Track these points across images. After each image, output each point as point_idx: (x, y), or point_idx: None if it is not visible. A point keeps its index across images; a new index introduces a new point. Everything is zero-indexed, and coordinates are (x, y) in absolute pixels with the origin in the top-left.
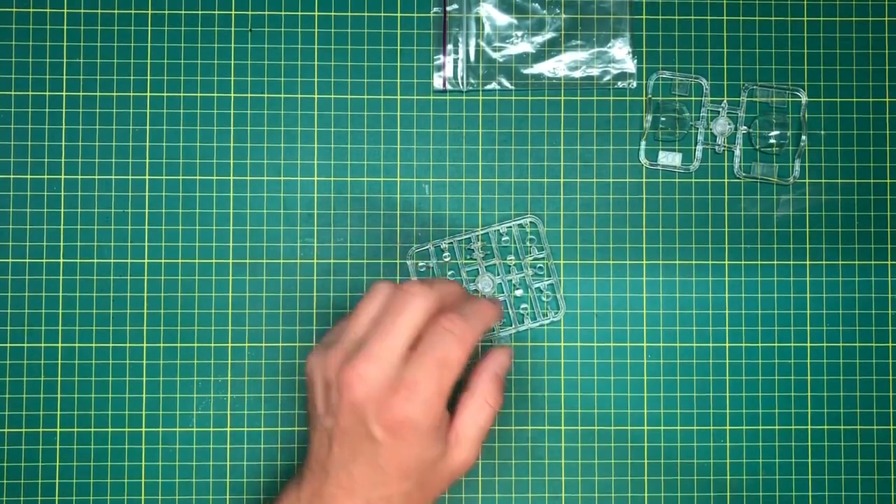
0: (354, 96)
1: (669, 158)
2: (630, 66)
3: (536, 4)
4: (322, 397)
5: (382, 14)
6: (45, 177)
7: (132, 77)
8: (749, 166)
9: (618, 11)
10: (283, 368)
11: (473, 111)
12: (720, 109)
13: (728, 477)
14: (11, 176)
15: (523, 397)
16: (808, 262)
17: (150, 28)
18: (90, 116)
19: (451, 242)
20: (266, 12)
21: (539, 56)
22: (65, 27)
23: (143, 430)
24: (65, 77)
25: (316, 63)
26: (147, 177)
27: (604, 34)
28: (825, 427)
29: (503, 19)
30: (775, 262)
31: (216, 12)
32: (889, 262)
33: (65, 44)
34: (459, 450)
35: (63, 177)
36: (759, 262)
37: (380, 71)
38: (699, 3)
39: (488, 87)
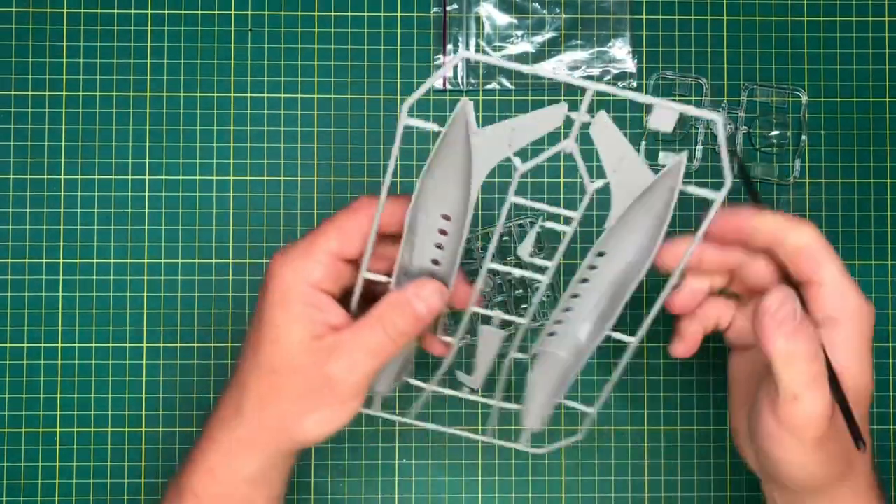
0: (354, 96)
1: (670, 158)
2: (630, 65)
3: (536, 4)
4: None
5: (382, 14)
6: (45, 177)
7: (132, 77)
8: (749, 166)
9: (618, 11)
10: None
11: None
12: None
13: (728, 477)
14: (11, 176)
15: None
16: None
17: (149, 28)
18: (90, 116)
19: None
20: (266, 12)
21: (539, 56)
22: (64, 27)
23: (143, 430)
24: (65, 77)
25: (316, 63)
26: (147, 177)
27: (604, 34)
28: None
29: (503, 19)
30: None
31: (216, 12)
32: (889, 262)
33: (64, 44)
34: (335, 361)
35: (63, 177)
36: None
37: (380, 71)
38: (699, 2)
39: (488, 86)
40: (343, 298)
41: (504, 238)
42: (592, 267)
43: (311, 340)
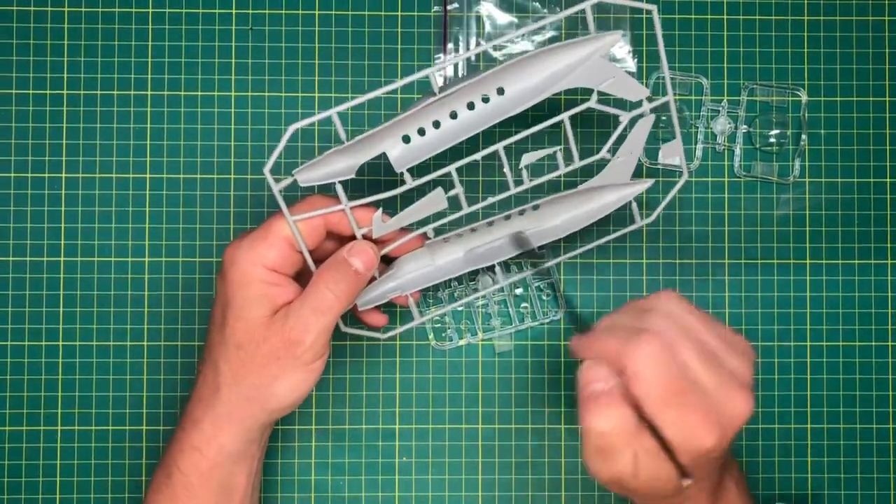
0: (355, 95)
1: (670, 157)
2: (630, 64)
3: (537, 3)
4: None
5: (383, 13)
6: (46, 175)
7: (133, 75)
8: (749, 165)
9: (618, 11)
10: None
11: None
12: (720, 108)
13: None
14: (12, 174)
15: (523, 395)
16: (808, 262)
17: (150, 26)
18: (91, 115)
19: None
20: (267, 11)
21: None
22: (65, 25)
23: (144, 427)
24: (66, 75)
25: (317, 62)
26: (148, 175)
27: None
28: (825, 426)
29: (503, 18)
30: (775, 261)
31: (217, 11)
32: (889, 262)
33: (66, 42)
34: (291, 326)
35: (64, 175)
36: (758, 261)
37: (380, 70)
38: (699, 2)
39: None
40: (297, 277)
41: None
42: (485, 99)
43: (270, 314)
